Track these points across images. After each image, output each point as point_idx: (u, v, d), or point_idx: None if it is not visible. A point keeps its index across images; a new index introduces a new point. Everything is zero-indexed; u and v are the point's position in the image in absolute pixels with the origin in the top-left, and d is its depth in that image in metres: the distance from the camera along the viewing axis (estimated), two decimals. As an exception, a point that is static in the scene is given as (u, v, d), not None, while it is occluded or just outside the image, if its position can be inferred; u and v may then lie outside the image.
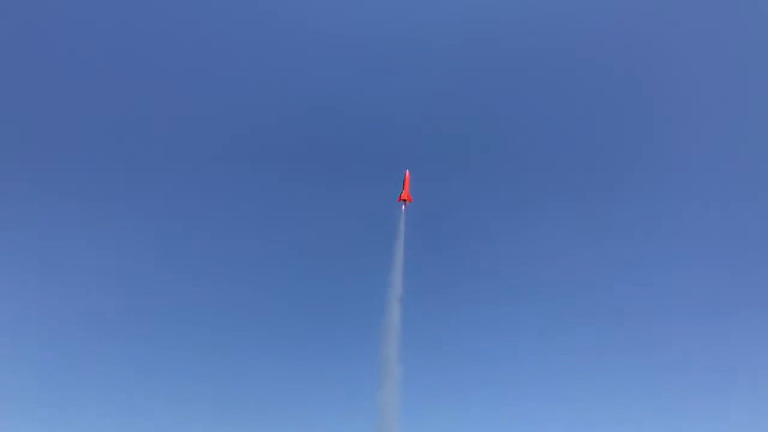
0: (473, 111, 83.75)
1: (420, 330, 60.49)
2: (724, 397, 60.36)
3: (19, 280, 66.37)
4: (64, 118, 76.92)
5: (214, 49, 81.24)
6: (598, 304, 70.74)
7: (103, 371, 61.61)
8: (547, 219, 77.96)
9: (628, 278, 73.17)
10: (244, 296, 72.34)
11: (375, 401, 40.19)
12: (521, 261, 75.38)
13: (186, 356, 64.70)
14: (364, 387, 45.11)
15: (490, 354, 66.61)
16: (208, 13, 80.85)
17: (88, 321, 66.09)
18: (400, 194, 44.66)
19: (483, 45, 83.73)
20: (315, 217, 79.50)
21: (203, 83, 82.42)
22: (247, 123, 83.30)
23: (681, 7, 79.28)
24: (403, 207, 45.04)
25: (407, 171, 44.70)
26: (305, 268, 76.16)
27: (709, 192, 76.60)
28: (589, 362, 65.76)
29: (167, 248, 74.86)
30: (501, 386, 63.22)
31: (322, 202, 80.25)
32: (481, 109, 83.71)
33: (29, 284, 66.39)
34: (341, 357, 66.40)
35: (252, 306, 71.75)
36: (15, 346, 60.71)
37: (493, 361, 66.01)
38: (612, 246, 75.39)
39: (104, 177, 75.78)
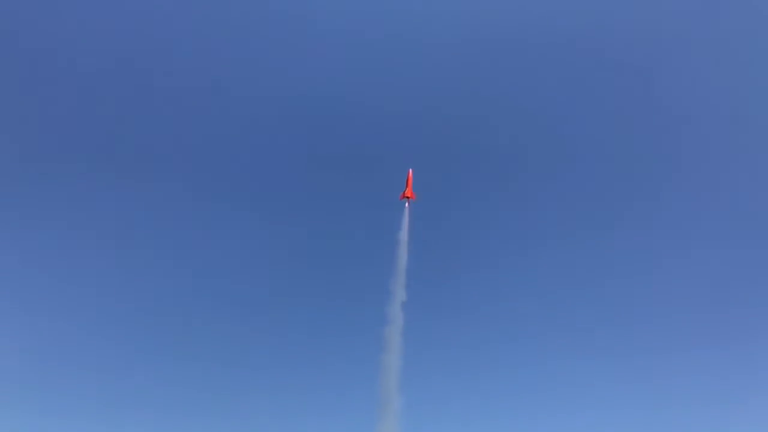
0: (477, 109, 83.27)
1: (421, 351, 59.25)
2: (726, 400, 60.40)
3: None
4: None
5: (214, 49, 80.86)
6: (603, 304, 70.41)
7: (107, 379, 61.95)
8: (550, 218, 77.43)
9: (633, 278, 72.63)
10: (241, 322, 70.82)
11: None
12: (526, 267, 74.26)
13: (181, 384, 63.59)
14: (364, 419, 44.59)
15: (494, 384, 65.36)
16: (208, 8, 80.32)
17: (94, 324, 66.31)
18: (403, 192, 45.20)
19: (487, 43, 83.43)
20: (317, 218, 78.82)
21: (206, 84, 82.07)
22: (252, 122, 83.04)
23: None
24: (407, 204, 45.52)
25: (410, 170, 45.30)
26: (305, 274, 75.23)
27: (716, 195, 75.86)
28: (596, 366, 65.38)
29: (165, 247, 74.38)
30: (508, 417, 61.92)
31: (324, 203, 79.61)
32: (485, 107, 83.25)
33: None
34: (340, 386, 64.82)
35: (250, 326, 70.44)
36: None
37: (498, 394, 64.56)
38: (617, 245, 74.99)
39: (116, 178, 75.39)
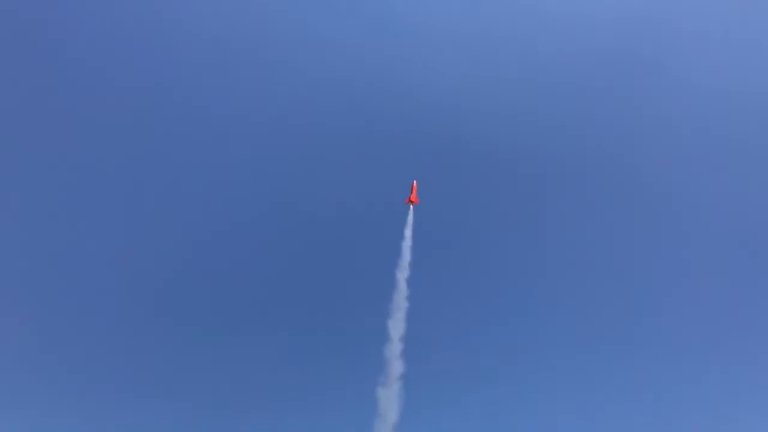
0: (481, 115, 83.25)
1: (424, 346, 58.20)
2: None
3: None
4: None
5: (211, 53, 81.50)
6: (610, 303, 69.89)
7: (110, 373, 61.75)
8: (555, 223, 77.46)
9: (636, 281, 72.16)
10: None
11: None
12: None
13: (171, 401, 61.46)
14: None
15: (498, 385, 63.02)
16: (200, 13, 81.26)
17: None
18: (409, 197, 48.71)
19: (492, 49, 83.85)
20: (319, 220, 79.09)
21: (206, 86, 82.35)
22: (256, 123, 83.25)
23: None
24: (411, 207, 48.92)
25: (415, 181, 48.65)
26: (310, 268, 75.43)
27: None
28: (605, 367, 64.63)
29: (164, 248, 73.31)
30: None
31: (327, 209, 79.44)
32: (490, 114, 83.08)
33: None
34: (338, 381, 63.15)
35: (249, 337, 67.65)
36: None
37: (502, 397, 61.90)
38: (619, 249, 74.96)
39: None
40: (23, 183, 71.28)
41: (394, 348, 43.41)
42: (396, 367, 42.85)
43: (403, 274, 46.27)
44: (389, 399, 41.75)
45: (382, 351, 43.39)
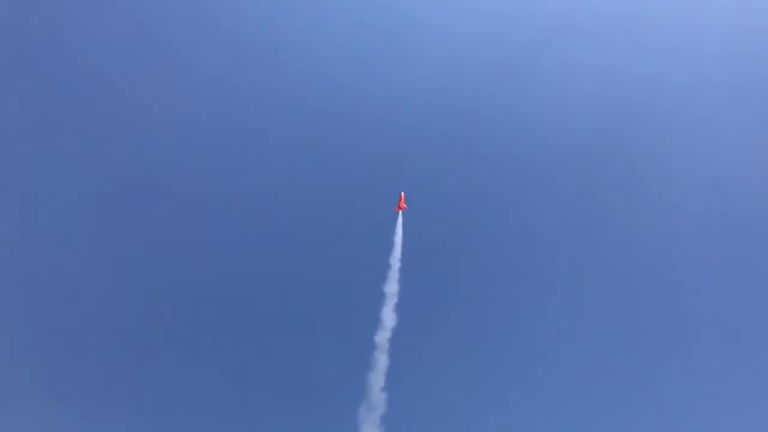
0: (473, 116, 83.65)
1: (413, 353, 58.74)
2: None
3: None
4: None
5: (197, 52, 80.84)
6: (605, 304, 68.59)
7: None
8: (550, 224, 77.86)
9: (634, 282, 70.86)
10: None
11: None
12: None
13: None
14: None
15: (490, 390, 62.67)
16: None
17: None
18: (398, 205, 51.11)
19: (486, 48, 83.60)
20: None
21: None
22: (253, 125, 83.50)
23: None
24: (400, 213, 51.36)
25: (402, 193, 50.87)
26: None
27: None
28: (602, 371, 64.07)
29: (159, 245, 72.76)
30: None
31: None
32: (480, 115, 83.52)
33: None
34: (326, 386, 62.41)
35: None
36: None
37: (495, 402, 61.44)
38: (616, 251, 75.27)
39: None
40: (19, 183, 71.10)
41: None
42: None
43: (385, 334, 47.95)
44: None
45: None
